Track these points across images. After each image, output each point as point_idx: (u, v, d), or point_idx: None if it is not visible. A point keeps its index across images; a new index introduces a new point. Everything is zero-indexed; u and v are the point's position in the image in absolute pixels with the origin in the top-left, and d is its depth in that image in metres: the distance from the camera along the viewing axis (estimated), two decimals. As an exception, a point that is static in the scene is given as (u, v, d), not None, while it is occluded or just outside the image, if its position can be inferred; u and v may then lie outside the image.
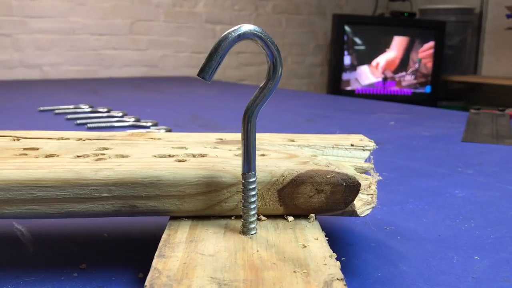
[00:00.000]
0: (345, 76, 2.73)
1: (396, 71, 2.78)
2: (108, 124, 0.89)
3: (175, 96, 1.48)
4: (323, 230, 0.31)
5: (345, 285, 0.24)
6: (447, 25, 2.72)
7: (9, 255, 0.35)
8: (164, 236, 0.29)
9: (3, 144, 0.37)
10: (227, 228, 0.31)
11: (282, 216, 0.32)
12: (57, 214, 0.31)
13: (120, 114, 1.00)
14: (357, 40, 2.74)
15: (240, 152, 0.35)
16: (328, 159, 0.36)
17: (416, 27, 2.81)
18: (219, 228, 0.30)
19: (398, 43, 2.77)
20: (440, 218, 0.44)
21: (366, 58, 2.76)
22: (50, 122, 0.95)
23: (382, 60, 2.76)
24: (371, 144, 0.40)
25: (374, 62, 2.75)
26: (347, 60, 2.72)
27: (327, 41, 2.92)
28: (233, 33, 0.27)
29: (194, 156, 0.35)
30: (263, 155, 0.35)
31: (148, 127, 0.89)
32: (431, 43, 2.73)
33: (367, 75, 2.75)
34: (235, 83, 2.23)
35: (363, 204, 0.32)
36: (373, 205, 0.32)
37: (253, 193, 0.30)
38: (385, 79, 2.76)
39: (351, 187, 0.31)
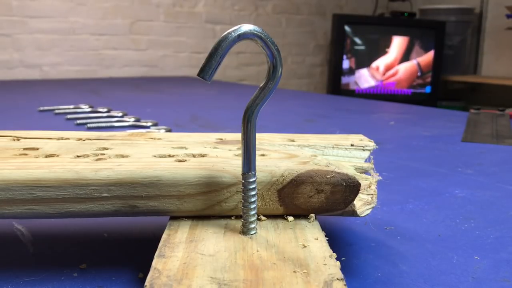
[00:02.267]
0: (344, 79, 2.73)
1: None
2: (108, 124, 0.89)
3: (175, 96, 1.48)
4: (323, 230, 0.31)
5: (345, 285, 0.24)
6: (447, 25, 2.72)
7: (9, 255, 0.35)
8: (164, 236, 0.29)
9: (3, 144, 0.37)
10: (227, 228, 0.31)
11: (282, 216, 0.32)
12: (57, 214, 0.30)
13: (120, 114, 1.00)
14: (357, 40, 2.74)
15: (240, 152, 0.35)
16: (328, 159, 0.36)
17: (416, 27, 2.81)
18: (219, 228, 0.30)
19: (398, 43, 2.77)
20: (440, 218, 0.44)
21: (365, 60, 2.75)
22: (50, 122, 0.95)
23: (381, 63, 2.75)
24: (371, 144, 0.40)
25: (374, 64, 2.75)
26: (345, 64, 2.72)
27: (327, 41, 2.92)
28: (233, 33, 0.27)
29: (194, 156, 0.35)
30: (263, 155, 0.35)
31: (148, 127, 0.89)
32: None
33: (366, 78, 2.75)
34: (235, 83, 2.23)
35: (363, 204, 0.32)
36: (373, 205, 0.32)
37: (253, 193, 0.30)
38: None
39: (351, 187, 0.31)
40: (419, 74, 2.78)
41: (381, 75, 2.71)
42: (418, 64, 2.77)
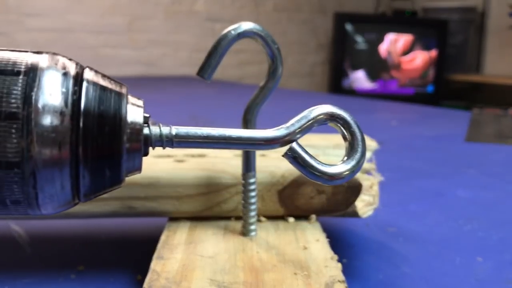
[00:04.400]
0: (345, 79, 2.73)
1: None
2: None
3: (174, 96, 1.48)
4: (324, 231, 0.30)
5: (346, 287, 0.24)
6: (449, 23, 2.71)
7: (7, 256, 0.34)
8: (162, 237, 0.29)
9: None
10: (226, 229, 0.30)
11: (282, 217, 0.32)
12: (55, 215, 0.30)
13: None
14: (358, 39, 2.73)
15: (240, 152, 0.35)
16: (329, 159, 0.36)
17: (419, 25, 2.80)
18: (218, 229, 0.30)
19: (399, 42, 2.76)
20: (442, 219, 0.43)
21: (365, 60, 2.75)
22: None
23: (400, 38, 2.72)
24: (373, 144, 0.39)
25: (391, 36, 2.71)
26: (346, 66, 2.71)
27: (328, 40, 2.92)
28: (232, 32, 0.26)
29: (193, 156, 0.34)
30: (263, 155, 0.35)
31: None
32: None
33: (365, 80, 2.75)
34: (235, 82, 2.23)
35: (364, 205, 0.32)
36: (375, 206, 0.32)
37: (253, 194, 0.29)
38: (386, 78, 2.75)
39: (353, 188, 0.31)
40: (430, 69, 2.77)
41: (398, 51, 2.69)
42: (430, 59, 2.76)
